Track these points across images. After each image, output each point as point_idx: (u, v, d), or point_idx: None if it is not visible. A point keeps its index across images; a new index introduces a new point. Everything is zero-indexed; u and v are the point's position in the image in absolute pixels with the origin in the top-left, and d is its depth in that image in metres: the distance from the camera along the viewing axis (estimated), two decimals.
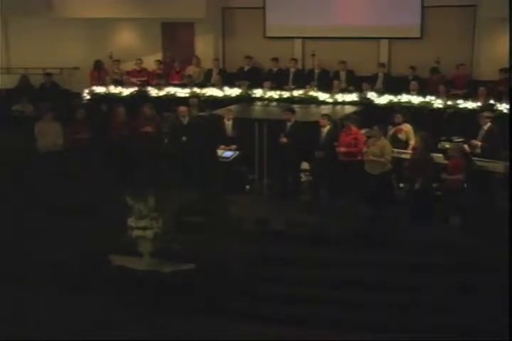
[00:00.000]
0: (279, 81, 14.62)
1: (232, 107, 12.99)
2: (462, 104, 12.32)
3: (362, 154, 10.59)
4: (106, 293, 8.41)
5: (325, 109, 12.63)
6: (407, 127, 11.29)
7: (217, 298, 8.38)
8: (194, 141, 11.69)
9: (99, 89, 14.48)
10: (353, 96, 13.13)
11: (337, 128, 11.41)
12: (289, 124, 11.18)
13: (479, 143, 10.71)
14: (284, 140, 10.97)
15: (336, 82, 13.76)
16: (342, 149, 10.80)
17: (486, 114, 11.09)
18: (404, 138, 11.12)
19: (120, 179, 10.98)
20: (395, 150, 10.70)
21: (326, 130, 11.05)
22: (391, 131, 11.39)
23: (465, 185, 10.01)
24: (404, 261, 8.84)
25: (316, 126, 11.19)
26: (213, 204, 10.20)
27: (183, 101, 13.54)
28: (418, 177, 9.95)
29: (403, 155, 10.77)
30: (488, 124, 10.95)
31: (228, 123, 11.95)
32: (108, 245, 9.06)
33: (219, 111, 12.46)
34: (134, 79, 15.15)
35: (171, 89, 14.19)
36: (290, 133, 11.04)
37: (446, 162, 10.38)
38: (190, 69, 15.47)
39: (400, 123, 11.40)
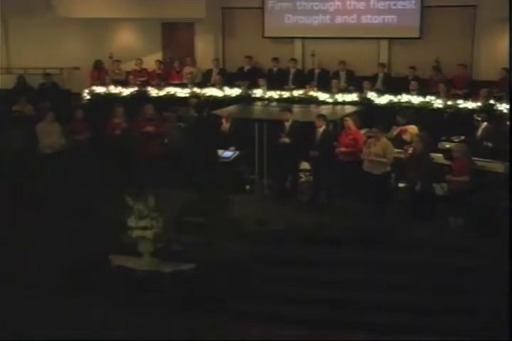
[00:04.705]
0: (279, 81, 14.63)
1: (232, 107, 13.01)
2: (462, 104, 12.34)
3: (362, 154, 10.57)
4: (106, 293, 8.41)
5: (325, 109, 12.63)
6: (412, 129, 11.24)
7: (217, 298, 8.37)
8: (195, 140, 11.71)
9: (99, 89, 14.50)
10: (353, 96, 13.14)
11: (335, 128, 11.42)
12: (287, 124, 11.16)
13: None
14: (285, 140, 10.94)
15: (334, 81, 13.77)
16: (342, 149, 10.80)
17: (480, 115, 11.19)
18: (409, 140, 11.04)
19: (120, 179, 10.98)
20: (396, 150, 10.69)
21: (321, 130, 11.03)
22: (395, 131, 11.37)
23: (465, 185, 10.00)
24: (405, 261, 8.84)
25: (313, 126, 11.19)
26: (213, 205, 10.20)
27: (183, 101, 13.60)
28: (418, 177, 9.94)
29: (402, 155, 10.77)
30: (485, 124, 11.04)
31: (226, 124, 11.91)
32: (108, 245, 9.06)
33: (218, 112, 12.46)
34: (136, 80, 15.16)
35: (171, 89, 14.21)
36: (289, 133, 11.03)
37: (446, 162, 10.39)
38: (187, 70, 15.49)
39: (404, 124, 11.38)
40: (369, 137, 10.86)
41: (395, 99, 12.85)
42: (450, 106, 12.41)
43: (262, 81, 14.05)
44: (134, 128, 12.15)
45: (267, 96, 13.69)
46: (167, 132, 12.25)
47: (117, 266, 8.68)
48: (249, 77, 15.00)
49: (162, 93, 14.16)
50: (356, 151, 10.68)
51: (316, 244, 9.19)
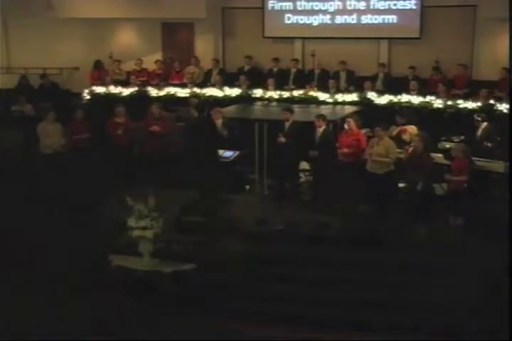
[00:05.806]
0: (279, 81, 14.63)
1: (232, 107, 13.00)
2: (462, 104, 12.34)
3: (364, 154, 10.56)
4: (106, 293, 8.41)
5: (325, 109, 12.63)
6: (412, 129, 11.23)
7: (217, 298, 8.37)
8: (195, 140, 11.70)
9: (99, 89, 14.50)
10: (353, 96, 13.14)
11: (335, 128, 11.41)
12: (287, 124, 11.16)
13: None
14: (282, 140, 10.94)
15: (331, 82, 13.78)
16: (344, 150, 10.78)
17: (480, 115, 11.20)
18: (408, 140, 11.03)
19: (121, 179, 10.99)
20: (397, 150, 10.68)
21: (321, 130, 11.02)
22: (395, 131, 11.37)
23: (465, 185, 10.01)
24: (405, 261, 8.84)
25: (313, 126, 11.18)
26: (213, 204, 10.20)
27: (183, 101, 13.59)
28: (418, 177, 9.93)
29: (402, 155, 10.77)
30: (485, 124, 11.04)
31: (218, 123, 11.84)
32: (108, 245, 9.06)
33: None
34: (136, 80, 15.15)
35: (171, 89, 14.21)
36: (288, 133, 11.03)
37: (446, 162, 10.39)
38: (190, 69, 15.50)
39: (403, 124, 11.38)
40: (369, 137, 10.85)
41: (395, 99, 12.85)
42: (450, 106, 12.41)
43: (270, 81, 14.06)
44: (140, 128, 12.12)
45: (267, 96, 13.69)
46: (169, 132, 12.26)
47: (117, 266, 8.67)
48: (249, 77, 14.99)
49: (162, 93, 14.16)
50: (359, 152, 10.68)
51: (315, 243, 9.20)
